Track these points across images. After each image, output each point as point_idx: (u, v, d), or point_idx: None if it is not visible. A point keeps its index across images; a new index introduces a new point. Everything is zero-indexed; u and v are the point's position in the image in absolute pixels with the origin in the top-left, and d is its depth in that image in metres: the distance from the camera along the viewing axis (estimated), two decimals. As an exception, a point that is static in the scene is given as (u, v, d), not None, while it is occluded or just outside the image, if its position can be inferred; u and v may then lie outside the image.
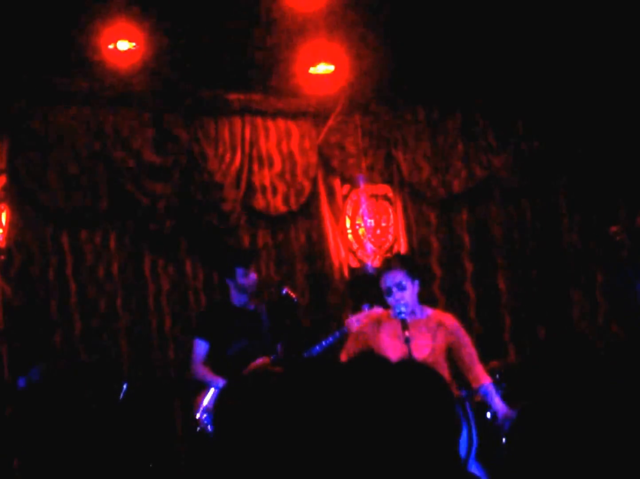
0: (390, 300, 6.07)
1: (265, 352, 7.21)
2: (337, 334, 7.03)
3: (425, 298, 9.78)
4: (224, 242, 8.80)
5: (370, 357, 2.78)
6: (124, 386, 7.25)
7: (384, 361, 2.55)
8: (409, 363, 2.53)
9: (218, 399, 2.87)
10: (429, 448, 2.36)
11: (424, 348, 6.02)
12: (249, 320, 7.34)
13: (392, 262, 6.32)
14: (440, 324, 6.14)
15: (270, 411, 2.75)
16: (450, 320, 6.24)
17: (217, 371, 7.16)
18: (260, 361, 7.19)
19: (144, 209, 8.34)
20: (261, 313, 7.36)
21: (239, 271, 7.29)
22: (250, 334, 7.29)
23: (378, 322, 6.27)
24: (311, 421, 2.71)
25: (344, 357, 6.25)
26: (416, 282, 6.11)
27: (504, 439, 7.85)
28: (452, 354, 6.14)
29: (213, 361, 7.26)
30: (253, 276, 7.31)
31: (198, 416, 7.15)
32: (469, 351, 6.17)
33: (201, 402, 7.16)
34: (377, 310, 6.51)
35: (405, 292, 6.02)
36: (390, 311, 6.22)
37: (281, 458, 2.70)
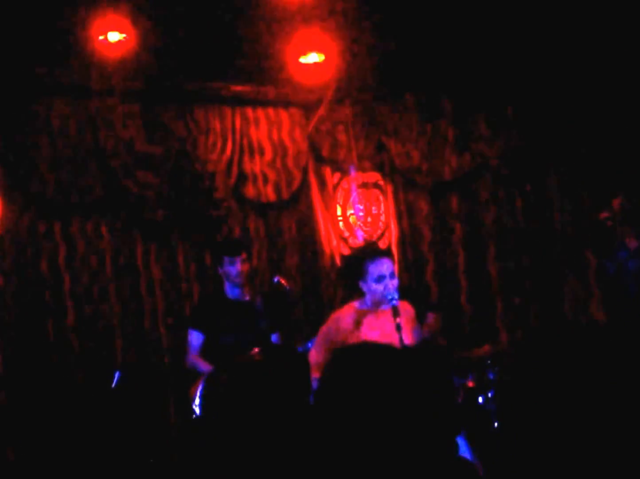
0: (380, 287, 6.09)
1: (260, 343, 7.23)
2: None
3: (418, 285, 9.91)
4: (216, 231, 8.84)
5: (369, 344, 2.77)
6: (117, 374, 7.28)
7: (382, 347, 2.54)
8: (412, 350, 2.53)
9: (205, 386, 2.92)
10: (428, 436, 2.37)
11: (410, 334, 6.07)
12: (243, 312, 7.36)
13: (379, 250, 6.36)
14: (405, 310, 6.21)
15: (256, 396, 2.79)
16: (405, 305, 6.29)
17: (211, 361, 7.20)
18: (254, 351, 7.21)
19: (136, 199, 8.36)
20: (256, 305, 7.39)
21: (225, 259, 7.36)
22: (244, 326, 7.31)
23: (354, 319, 6.27)
24: (300, 407, 2.75)
25: (314, 358, 6.03)
26: None
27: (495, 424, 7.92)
28: None
29: (207, 352, 7.30)
30: (239, 265, 7.33)
31: (195, 404, 7.18)
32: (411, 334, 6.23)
33: (198, 391, 7.19)
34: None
35: (395, 281, 6.08)
36: (358, 304, 6.24)
37: (268, 443, 2.73)
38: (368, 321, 6.20)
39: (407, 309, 6.28)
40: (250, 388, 2.81)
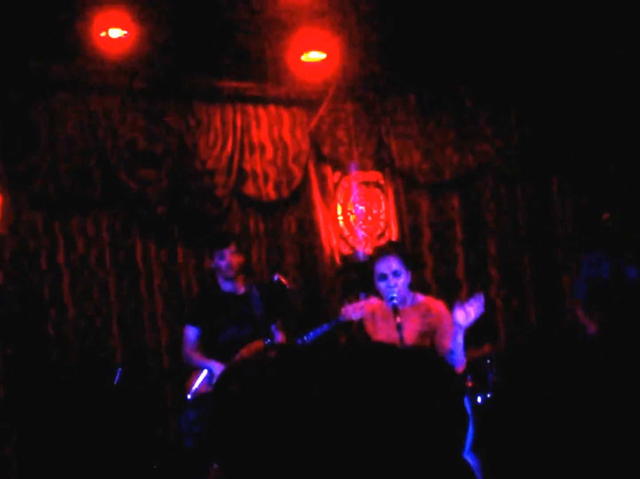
0: (382, 285, 6.08)
1: (257, 336, 7.24)
2: (333, 322, 7.05)
3: (417, 285, 9.89)
4: (216, 229, 8.83)
5: (372, 343, 2.74)
6: (118, 371, 7.28)
7: (388, 347, 2.50)
8: (414, 350, 2.50)
9: (215, 387, 2.89)
10: (433, 438, 2.34)
11: (412, 334, 6.03)
12: (239, 305, 7.37)
13: (387, 248, 6.31)
14: (428, 310, 6.15)
15: (267, 396, 2.77)
16: (437, 306, 6.25)
17: (210, 356, 7.22)
18: (253, 345, 7.24)
19: (136, 196, 8.35)
20: (251, 297, 7.39)
21: (215, 253, 7.39)
22: (241, 319, 7.32)
23: (373, 312, 6.31)
24: (308, 407, 2.73)
25: None
26: (409, 272, 6.12)
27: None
28: (433, 339, 6.15)
29: (205, 347, 7.32)
30: (228, 257, 7.34)
31: (189, 398, 7.19)
32: (448, 336, 6.11)
33: (192, 385, 7.20)
34: (373, 300, 6.50)
35: (399, 279, 6.04)
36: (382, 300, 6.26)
37: (278, 444, 2.72)
38: (383, 319, 6.22)
39: (437, 311, 6.19)
40: (266, 384, 2.79)
